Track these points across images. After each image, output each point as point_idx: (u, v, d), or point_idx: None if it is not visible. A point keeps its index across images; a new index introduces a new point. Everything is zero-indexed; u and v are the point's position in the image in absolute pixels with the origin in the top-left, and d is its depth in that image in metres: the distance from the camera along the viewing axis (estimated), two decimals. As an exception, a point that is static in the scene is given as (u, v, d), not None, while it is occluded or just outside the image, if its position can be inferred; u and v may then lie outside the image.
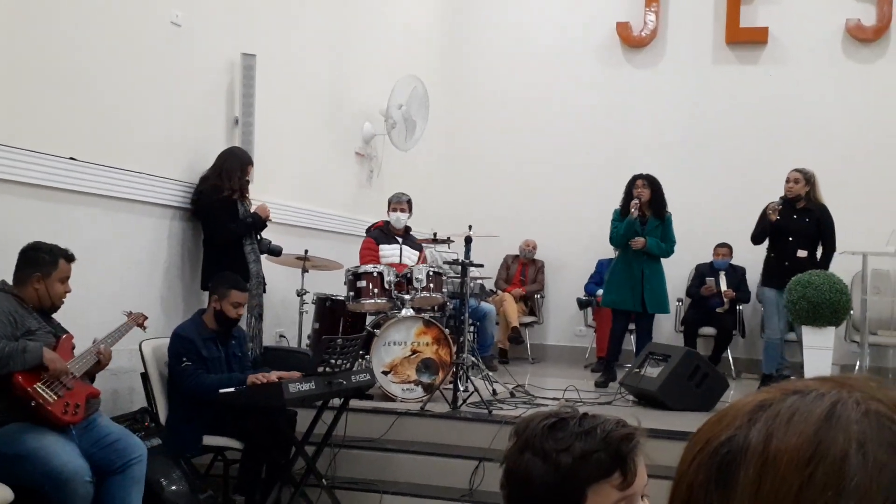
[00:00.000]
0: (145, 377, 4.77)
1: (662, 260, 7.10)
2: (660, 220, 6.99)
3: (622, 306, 7.10)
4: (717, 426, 0.61)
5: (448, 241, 7.14)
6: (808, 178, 6.77)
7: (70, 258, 4.04)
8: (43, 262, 3.95)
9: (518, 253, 9.22)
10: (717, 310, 8.03)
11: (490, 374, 6.54)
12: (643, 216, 6.97)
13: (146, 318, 4.58)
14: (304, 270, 6.32)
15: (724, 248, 8.31)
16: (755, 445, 0.58)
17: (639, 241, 6.90)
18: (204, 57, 5.82)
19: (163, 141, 5.47)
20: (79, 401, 3.85)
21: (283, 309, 6.60)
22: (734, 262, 8.40)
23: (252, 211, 5.71)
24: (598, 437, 1.46)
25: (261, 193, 5.95)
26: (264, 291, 5.84)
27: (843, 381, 0.60)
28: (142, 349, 4.74)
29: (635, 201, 6.90)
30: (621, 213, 7.02)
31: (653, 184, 7.00)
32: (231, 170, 5.62)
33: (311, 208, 7.13)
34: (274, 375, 4.63)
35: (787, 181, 6.76)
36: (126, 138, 5.15)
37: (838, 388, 0.58)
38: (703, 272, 8.40)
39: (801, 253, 6.65)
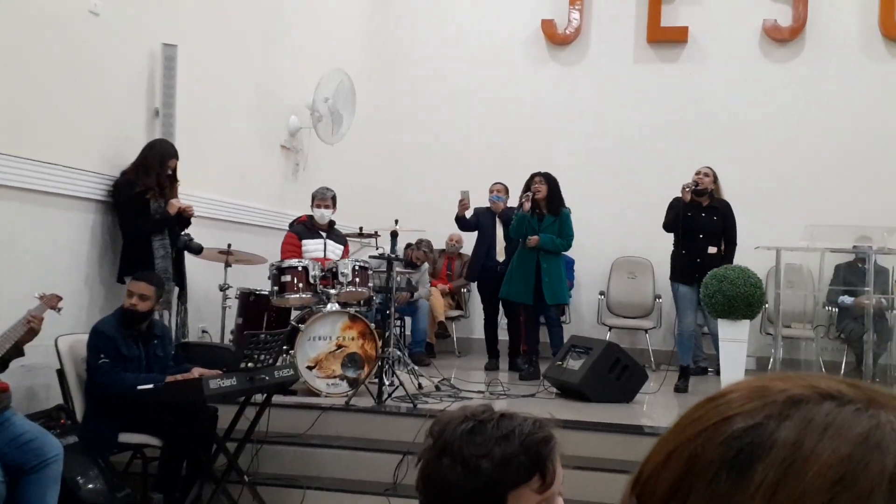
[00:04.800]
0: (61, 374, 4.67)
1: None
2: (555, 217, 7.15)
3: (516, 298, 7.31)
4: (742, 405, 0.57)
5: (374, 235, 7.14)
6: (716, 176, 7.01)
7: None
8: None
9: (444, 247, 9.26)
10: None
11: (416, 367, 6.57)
12: (540, 213, 7.14)
13: (60, 298, 4.41)
14: (227, 265, 6.25)
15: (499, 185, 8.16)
16: (782, 446, 0.54)
17: (532, 240, 7.11)
18: (123, 47, 5.70)
19: (81, 133, 5.35)
20: None
21: (206, 304, 6.51)
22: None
23: (165, 207, 5.58)
24: (517, 441, 1.47)
25: (183, 186, 5.86)
26: (182, 287, 5.77)
27: (876, 395, 0.57)
28: (58, 345, 4.63)
29: (527, 194, 7.11)
30: (518, 208, 7.22)
31: (550, 181, 7.19)
32: (149, 165, 5.52)
33: (234, 202, 7.05)
34: (196, 372, 4.57)
35: (698, 173, 6.96)
36: (43, 130, 5.02)
37: (875, 407, 0.55)
38: None
39: (712, 249, 6.88)
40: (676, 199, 6.99)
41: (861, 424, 0.54)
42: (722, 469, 0.55)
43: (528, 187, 7.23)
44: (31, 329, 3.97)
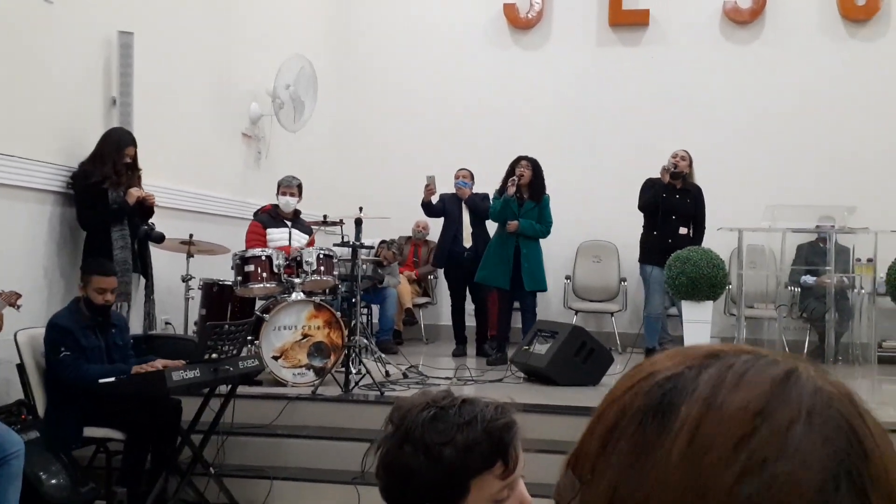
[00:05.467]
0: (21, 368, 4.58)
1: (546, 239, 7.29)
2: (536, 203, 7.14)
3: (492, 283, 7.30)
4: (665, 363, 0.60)
5: (339, 223, 7.09)
6: (691, 160, 7.07)
7: None
8: None
9: (410, 234, 9.24)
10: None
11: (383, 355, 6.55)
12: (521, 198, 7.13)
13: (19, 295, 4.35)
14: (190, 255, 6.17)
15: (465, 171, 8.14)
16: (703, 387, 0.56)
17: (512, 225, 7.11)
18: (78, 35, 5.59)
19: (36, 123, 5.24)
20: None
21: (168, 295, 6.42)
22: None
23: (124, 197, 5.50)
24: (479, 427, 1.46)
25: (143, 176, 5.76)
26: (148, 278, 5.70)
27: (797, 356, 0.60)
28: (17, 339, 4.55)
29: (513, 178, 7.08)
30: (499, 191, 7.16)
31: (535, 166, 7.18)
32: (105, 154, 5.43)
33: (195, 191, 6.96)
34: (159, 363, 4.52)
35: (675, 156, 7.01)
36: (-5, 120, 4.92)
37: (793, 360, 0.59)
38: None
39: (683, 230, 6.94)
40: (651, 180, 7.04)
41: (777, 369, 0.57)
42: (648, 413, 0.57)
43: (512, 170, 7.20)
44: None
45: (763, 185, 8.52)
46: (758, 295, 8.16)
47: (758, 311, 8.15)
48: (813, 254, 8.00)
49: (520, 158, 7.24)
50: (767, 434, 0.54)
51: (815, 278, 7.87)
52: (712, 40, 9.20)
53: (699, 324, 6.33)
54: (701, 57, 9.15)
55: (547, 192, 7.28)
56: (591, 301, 9.06)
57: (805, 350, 8.10)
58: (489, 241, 7.48)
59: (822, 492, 0.53)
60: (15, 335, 4.55)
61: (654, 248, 6.92)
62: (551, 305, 9.02)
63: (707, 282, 6.28)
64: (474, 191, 7.88)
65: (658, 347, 7.21)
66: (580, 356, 6.28)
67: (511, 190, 7.04)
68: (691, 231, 7.06)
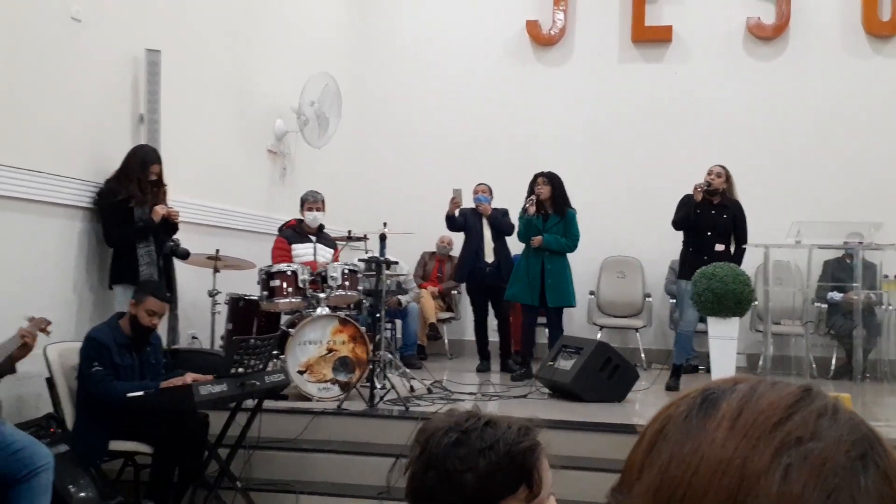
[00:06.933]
0: (51, 382, 4.63)
1: (569, 255, 7.27)
2: (560, 217, 7.13)
3: (520, 300, 7.28)
4: (700, 385, 0.68)
5: (363, 238, 7.13)
6: (728, 176, 7.01)
7: None
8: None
9: (434, 250, 9.25)
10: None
11: (407, 370, 6.55)
12: (545, 213, 7.13)
13: (49, 322, 4.42)
14: (216, 270, 6.21)
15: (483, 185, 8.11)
16: (741, 389, 0.64)
17: (536, 240, 7.10)
18: (106, 53, 5.67)
19: (65, 140, 5.31)
20: None
21: (195, 310, 6.47)
22: None
23: (149, 214, 5.55)
24: (502, 451, 1.45)
25: (170, 192, 5.82)
26: (172, 293, 5.73)
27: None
28: (47, 354, 4.59)
29: (531, 198, 7.09)
30: (523, 211, 7.19)
31: (553, 181, 7.18)
32: (130, 171, 5.48)
33: (222, 207, 7.02)
34: (189, 378, 4.55)
35: (710, 173, 6.95)
36: (26, 137, 4.99)
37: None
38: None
39: (719, 247, 6.88)
40: (687, 196, 6.99)
41: (799, 386, 0.65)
42: (691, 413, 0.65)
43: (531, 188, 7.21)
44: (24, 344, 3.92)
45: (789, 202, 8.48)
46: (784, 311, 8.09)
47: (784, 327, 8.08)
48: (840, 270, 7.93)
49: (537, 175, 7.25)
50: (800, 420, 0.61)
51: (842, 295, 7.80)
52: (735, 56, 9.18)
53: (725, 340, 6.29)
54: (724, 73, 9.13)
55: (573, 206, 7.26)
56: (616, 317, 9.02)
57: (832, 367, 8.02)
58: (511, 257, 7.47)
59: (852, 469, 0.59)
60: (45, 350, 4.59)
61: (690, 264, 6.87)
62: (575, 321, 9.00)
63: (733, 298, 6.23)
64: (494, 205, 7.88)
65: (685, 364, 7.16)
66: (605, 372, 6.25)
67: (531, 210, 7.04)
68: (731, 247, 6.97)
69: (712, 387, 0.67)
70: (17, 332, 3.94)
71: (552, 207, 7.17)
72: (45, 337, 4.46)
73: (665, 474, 0.62)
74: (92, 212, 5.51)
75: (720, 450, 0.61)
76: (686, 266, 6.95)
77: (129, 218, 5.45)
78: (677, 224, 7.04)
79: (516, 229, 7.37)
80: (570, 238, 7.18)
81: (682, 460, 0.62)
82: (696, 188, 6.86)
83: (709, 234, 6.88)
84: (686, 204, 6.97)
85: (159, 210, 5.51)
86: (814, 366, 7.62)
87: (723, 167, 7.02)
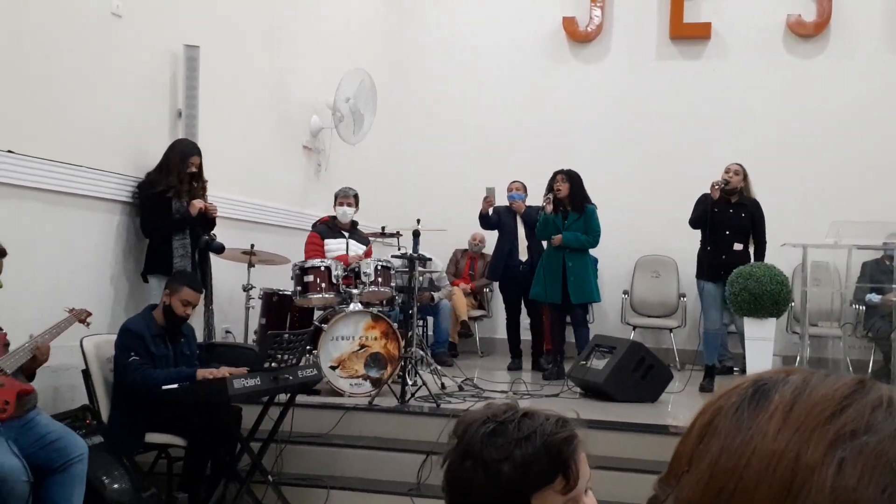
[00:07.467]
0: (87, 374, 4.68)
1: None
2: (580, 214, 7.09)
3: (543, 298, 7.24)
4: (753, 376, 0.67)
5: (396, 235, 7.13)
6: (746, 174, 6.92)
7: (1, 253, 3.93)
8: (-28, 258, 3.84)
9: (467, 247, 9.24)
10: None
11: (439, 367, 6.55)
12: (564, 211, 7.09)
13: (89, 314, 4.49)
14: (251, 265, 6.25)
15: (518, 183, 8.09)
16: (792, 383, 0.63)
17: (556, 239, 7.07)
18: (145, 48, 5.72)
19: (105, 134, 5.37)
20: (8, 398, 3.74)
21: (229, 304, 6.52)
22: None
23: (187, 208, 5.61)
24: (538, 442, 1.44)
25: (207, 187, 5.86)
26: (207, 288, 5.78)
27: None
28: (83, 345, 4.65)
29: (548, 197, 7.06)
30: (542, 209, 7.16)
31: (572, 178, 7.13)
32: (171, 164, 5.55)
33: (257, 202, 7.06)
34: (225, 371, 4.58)
35: (728, 171, 6.87)
36: (66, 131, 5.05)
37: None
38: None
39: (738, 246, 6.80)
40: (704, 195, 6.92)
41: (853, 377, 0.64)
42: (743, 405, 0.64)
43: (550, 187, 7.18)
44: (35, 357, 3.95)
45: (828, 201, 8.36)
46: (822, 313, 7.98)
47: (822, 329, 7.98)
48: (878, 271, 7.81)
49: (556, 174, 7.21)
50: (855, 413, 0.60)
51: (880, 297, 7.67)
52: (775, 54, 9.07)
53: (762, 341, 6.21)
54: (763, 70, 9.02)
55: (593, 202, 7.22)
56: (650, 316, 8.96)
57: (870, 369, 7.89)
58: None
59: None
60: (81, 341, 4.65)
61: (709, 264, 6.80)
62: (608, 320, 8.95)
63: (770, 298, 6.15)
64: (528, 203, 7.85)
65: (718, 365, 7.09)
66: (639, 372, 6.20)
67: (548, 208, 7.01)
68: (749, 246, 6.89)
69: (764, 378, 0.65)
70: (28, 343, 3.95)
71: (571, 205, 7.13)
72: (81, 329, 4.53)
73: (715, 467, 0.62)
74: (130, 205, 5.57)
75: (773, 442, 0.60)
76: (704, 265, 6.88)
77: (168, 209, 5.51)
78: (694, 223, 6.97)
79: (536, 227, 7.33)
80: (592, 234, 7.14)
81: (733, 452, 0.61)
82: (713, 186, 6.78)
83: (727, 232, 6.79)
84: (703, 202, 6.89)
85: (196, 204, 5.57)
86: (850, 368, 7.51)
87: (740, 165, 6.93)
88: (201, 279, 5.77)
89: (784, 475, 0.58)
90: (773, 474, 0.59)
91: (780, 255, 6.93)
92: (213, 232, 5.81)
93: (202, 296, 4.95)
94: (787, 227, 7.41)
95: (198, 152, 5.69)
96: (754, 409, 0.63)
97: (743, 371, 7.06)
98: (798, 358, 7.31)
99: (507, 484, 1.43)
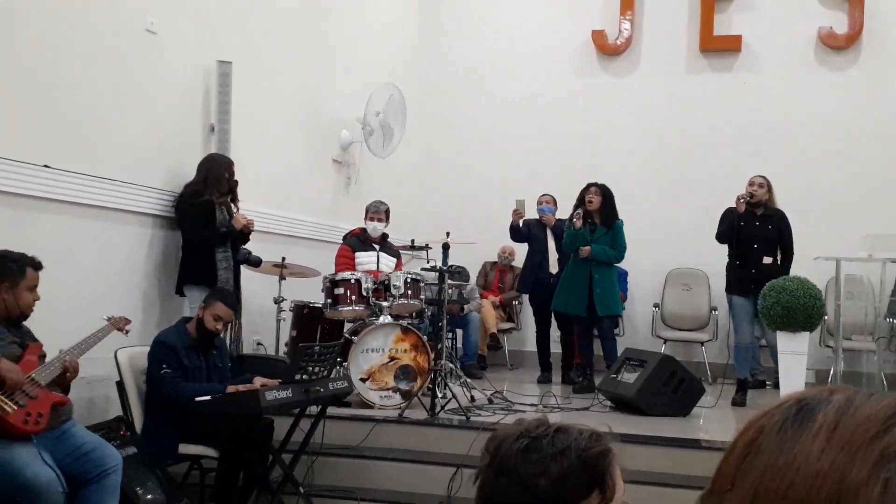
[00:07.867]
0: (121, 385, 4.73)
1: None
2: (608, 228, 7.06)
3: (567, 310, 7.21)
4: (796, 394, 0.67)
5: (426, 248, 7.15)
6: (769, 185, 6.88)
7: (38, 266, 3.98)
8: (10, 271, 3.88)
9: (496, 260, 9.24)
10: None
11: (468, 380, 6.54)
12: (593, 224, 7.06)
13: (128, 321, 4.54)
14: (282, 278, 6.30)
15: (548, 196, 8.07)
16: (836, 402, 0.63)
17: (584, 250, 7.02)
18: (179, 64, 5.80)
19: (139, 149, 5.45)
20: (42, 410, 3.77)
21: (260, 316, 6.57)
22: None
23: (230, 221, 5.69)
24: (573, 456, 1.44)
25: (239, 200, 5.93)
26: (238, 301, 5.83)
27: None
28: (117, 357, 4.70)
29: (578, 212, 7.01)
30: (570, 220, 7.12)
31: (604, 192, 7.10)
32: (218, 175, 5.64)
33: (288, 215, 7.12)
34: (258, 383, 4.61)
35: (752, 184, 6.82)
36: (101, 146, 5.13)
37: None
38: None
39: (767, 259, 6.74)
40: (730, 209, 6.88)
41: None
42: (786, 423, 0.63)
43: (581, 198, 7.15)
44: (65, 372, 3.98)
45: (861, 214, 8.28)
46: (855, 326, 7.89)
47: (855, 343, 7.88)
48: (913, 285, 7.71)
49: (589, 185, 7.18)
50: None
51: (915, 311, 7.58)
52: (806, 66, 9.00)
53: (795, 355, 6.15)
54: (794, 83, 8.96)
55: (620, 217, 7.19)
56: (681, 330, 8.90)
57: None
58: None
59: None
60: (115, 353, 4.70)
61: (738, 278, 6.75)
62: (639, 333, 8.90)
63: (803, 312, 6.09)
64: (558, 216, 7.84)
65: (750, 379, 7.02)
66: (670, 386, 6.16)
67: (577, 224, 6.96)
68: (778, 259, 6.83)
69: (807, 397, 0.65)
70: (57, 358, 3.98)
71: (600, 219, 7.10)
72: (115, 340, 4.58)
73: (759, 486, 0.62)
74: (163, 219, 5.64)
75: (817, 462, 0.60)
76: (733, 280, 6.82)
77: (212, 220, 5.57)
78: (721, 237, 6.92)
79: (563, 239, 7.29)
80: (618, 249, 7.11)
81: (777, 472, 0.61)
82: (738, 200, 6.74)
83: (755, 246, 6.74)
84: (729, 216, 6.85)
85: (240, 218, 5.66)
86: (885, 383, 7.41)
87: (764, 177, 6.88)
88: (236, 293, 5.84)
89: (829, 495, 0.58)
90: (818, 494, 0.59)
91: (813, 268, 6.86)
92: (247, 246, 5.88)
93: (233, 312, 4.99)
94: (820, 239, 7.34)
95: (233, 163, 5.79)
96: (798, 428, 0.63)
97: (776, 385, 6.99)
98: (831, 372, 7.23)
99: (543, 499, 1.42)
